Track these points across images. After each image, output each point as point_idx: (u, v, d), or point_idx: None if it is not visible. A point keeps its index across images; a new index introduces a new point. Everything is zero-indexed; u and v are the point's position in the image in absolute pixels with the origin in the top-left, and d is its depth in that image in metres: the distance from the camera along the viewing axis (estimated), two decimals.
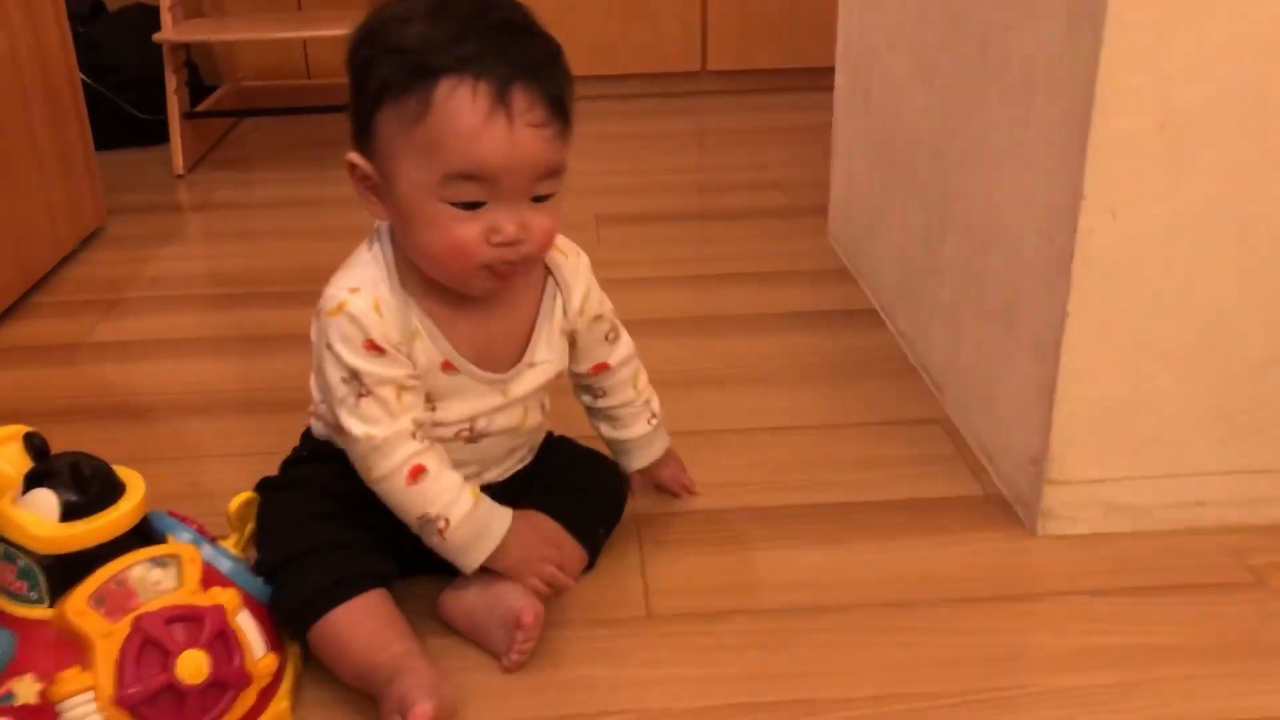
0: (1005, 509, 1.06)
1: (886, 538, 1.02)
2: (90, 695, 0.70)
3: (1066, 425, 0.96)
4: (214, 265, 1.83)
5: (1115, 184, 0.88)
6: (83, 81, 1.85)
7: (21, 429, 0.79)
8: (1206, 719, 0.81)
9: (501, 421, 0.92)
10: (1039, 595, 0.94)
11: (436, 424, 0.89)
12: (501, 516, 0.88)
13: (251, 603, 0.80)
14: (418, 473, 0.84)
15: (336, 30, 1.99)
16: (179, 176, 2.21)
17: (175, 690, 0.72)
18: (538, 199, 0.83)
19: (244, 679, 0.75)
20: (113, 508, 0.74)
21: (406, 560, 0.92)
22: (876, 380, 1.32)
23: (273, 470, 0.97)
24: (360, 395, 0.83)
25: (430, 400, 0.88)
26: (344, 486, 0.89)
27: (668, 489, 1.08)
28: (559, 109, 0.81)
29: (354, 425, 0.84)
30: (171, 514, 0.83)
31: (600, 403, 1.02)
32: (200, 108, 2.35)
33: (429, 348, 0.87)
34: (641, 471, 1.06)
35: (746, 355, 1.40)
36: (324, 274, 0.88)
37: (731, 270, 1.69)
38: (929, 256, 1.28)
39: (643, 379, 1.04)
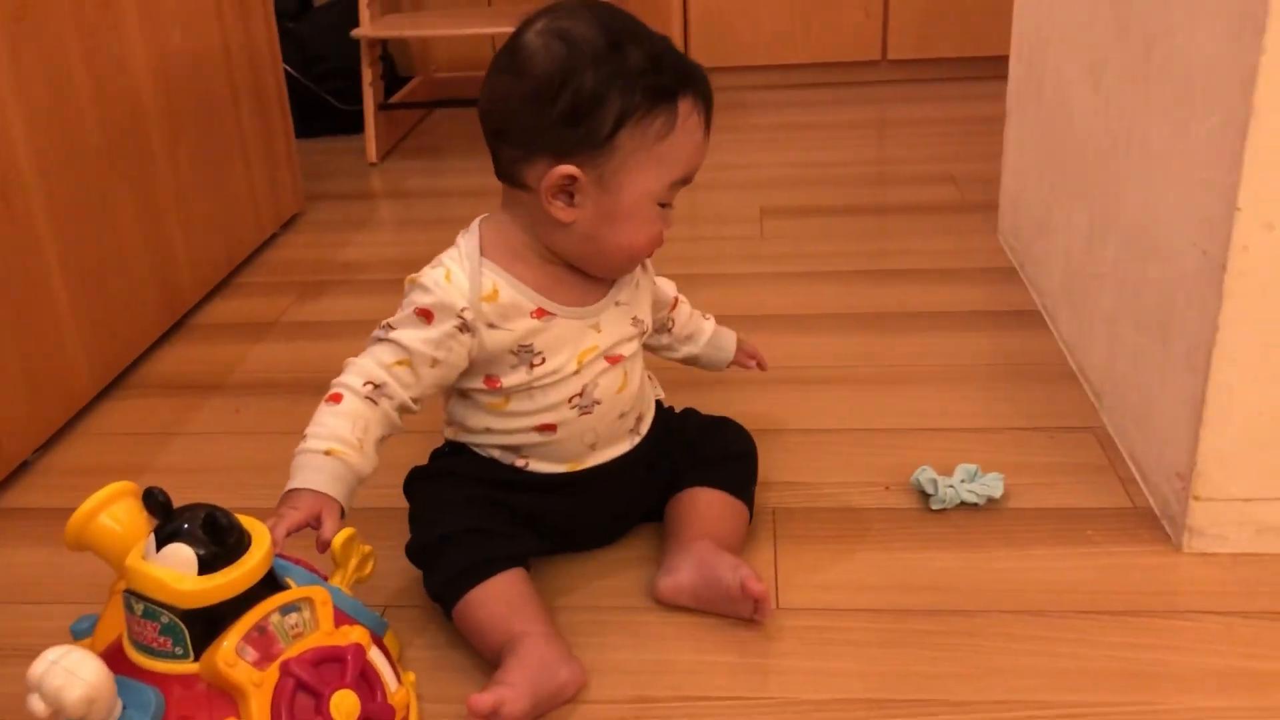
0: (1152, 523, 1.04)
1: (1025, 545, 1.02)
2: None
3: (1215, 442, 0.94)
4: (405, 251, 1.91)
5: (1272, 197, 0.85)
6: (288, 74, 1.98)
7: (129, 486, 0.80)
8: None
9: (606, 385, 0.96)
10: (1179, 613, 0.93)
11: (551, 378, 0.94)
12: (303, 477, 0.87)
13: (374, 638, 0.81)
14: (333, 399, 0.91)
15: None
16: (373, 165, 2.34)
17: None
18: None
19: (389, 713, 0.77)
20: (245, 556, 0.74)
21: (554, 541, 1.00)
22: (1035, 385, 1.31)
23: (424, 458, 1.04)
24: (379, 340, 0.93)
25: (539, 355, 0.93)
26: (488, 474, 0.97)
27: (758, 362, 1.21)
28: None
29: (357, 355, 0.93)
30: (281, 555, 0.83)
31: (674, 330, 1.16)
32: (394, 99, 2.48)
33: (515, 297, 0.92)
34: (734, 361, 1.20)
35: (906, 354, 1.40)
36: None
37: (897, 267, 1.68)
38: (1092, 261, 1.25)
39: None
